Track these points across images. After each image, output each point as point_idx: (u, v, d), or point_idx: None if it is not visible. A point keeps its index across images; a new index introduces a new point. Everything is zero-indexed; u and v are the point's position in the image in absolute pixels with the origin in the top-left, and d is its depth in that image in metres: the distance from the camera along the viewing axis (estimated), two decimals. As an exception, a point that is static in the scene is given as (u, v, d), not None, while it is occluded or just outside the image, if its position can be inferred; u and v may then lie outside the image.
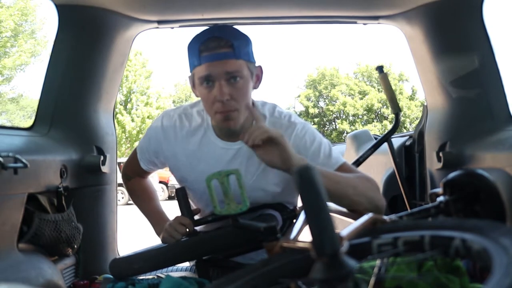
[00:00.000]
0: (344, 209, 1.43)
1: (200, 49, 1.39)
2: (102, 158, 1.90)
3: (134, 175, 1.76)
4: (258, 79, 1.51)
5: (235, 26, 1.52)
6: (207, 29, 1.46)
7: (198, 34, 1.45)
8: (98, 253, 1.98)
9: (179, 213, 1.50)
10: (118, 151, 2.24)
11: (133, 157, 1.69)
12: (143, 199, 1.76)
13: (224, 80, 1.38)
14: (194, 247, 1.40)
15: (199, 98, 1.52)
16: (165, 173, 15.10)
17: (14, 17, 18.53)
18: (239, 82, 1.40)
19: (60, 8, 1.84)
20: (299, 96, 30.44)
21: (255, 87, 1.50)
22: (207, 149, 1.53)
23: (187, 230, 1.44)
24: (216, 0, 1.83)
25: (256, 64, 1.49)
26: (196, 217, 1.53)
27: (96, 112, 1.97)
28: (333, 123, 30.26)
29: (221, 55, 1.38)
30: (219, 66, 1.38)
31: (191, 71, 1.46)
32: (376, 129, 27.19)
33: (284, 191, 1.55)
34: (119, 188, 2.15)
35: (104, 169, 1.93)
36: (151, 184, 1.83)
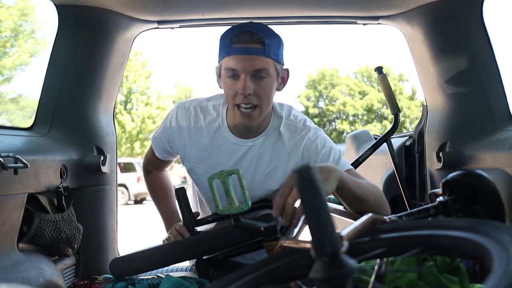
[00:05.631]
0: (343, 209, 1.43)
1: (232, 40, 1.40)
2: (102, 158, 1.91)
3: (152, 167, 1.80)
4: (283, 81, 1.51)
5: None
6: (242, 23, 1.46)
7: (232, 27, 1.45)
8: (98, 253, 1.98)
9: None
10: (118, 151, 2.24)
11: (150, 148, 1.74)
12: (159, 196, 1.82)
13: (250, 76, 1.39)
14: (194, 247, 1.40)
15: (215, 93, 1.54)
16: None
17: (14, 17, 18.50)
18: (264, 80, 1.41)
19: (60, 8, 1.85)
20: (299, 96, 30.43)
21: (278, 89, 1.50)
22: (219, 143, 1.53)
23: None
24: (216, 1, 1.83)
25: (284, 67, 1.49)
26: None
27: (96, 112, 1.98)
28: (333, 123, 30.20)
29: (251, 49, 1.38)
30: (247, 61, 1.38)
31: (219, 61, 1.46)
32: (376, 129, 27.13)
33: None
34: (119, 188, 2.15)
35: (104, 169, 1.93)
36: (168, 181, 1.86)
